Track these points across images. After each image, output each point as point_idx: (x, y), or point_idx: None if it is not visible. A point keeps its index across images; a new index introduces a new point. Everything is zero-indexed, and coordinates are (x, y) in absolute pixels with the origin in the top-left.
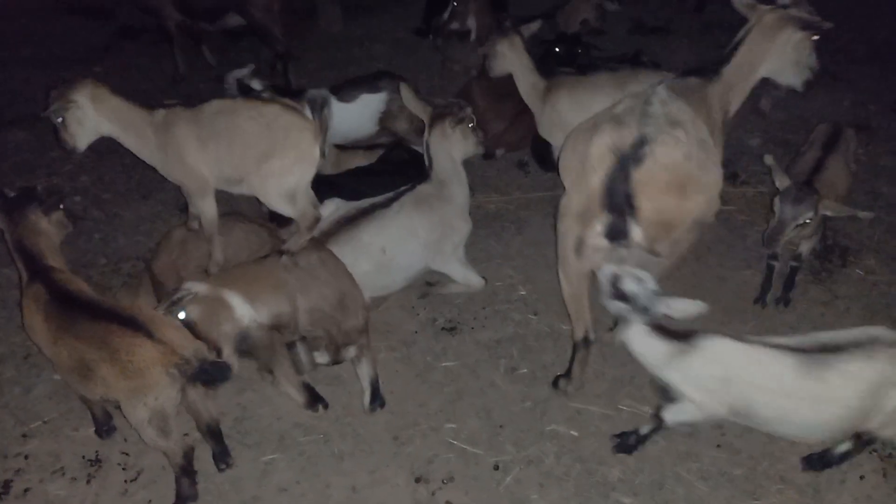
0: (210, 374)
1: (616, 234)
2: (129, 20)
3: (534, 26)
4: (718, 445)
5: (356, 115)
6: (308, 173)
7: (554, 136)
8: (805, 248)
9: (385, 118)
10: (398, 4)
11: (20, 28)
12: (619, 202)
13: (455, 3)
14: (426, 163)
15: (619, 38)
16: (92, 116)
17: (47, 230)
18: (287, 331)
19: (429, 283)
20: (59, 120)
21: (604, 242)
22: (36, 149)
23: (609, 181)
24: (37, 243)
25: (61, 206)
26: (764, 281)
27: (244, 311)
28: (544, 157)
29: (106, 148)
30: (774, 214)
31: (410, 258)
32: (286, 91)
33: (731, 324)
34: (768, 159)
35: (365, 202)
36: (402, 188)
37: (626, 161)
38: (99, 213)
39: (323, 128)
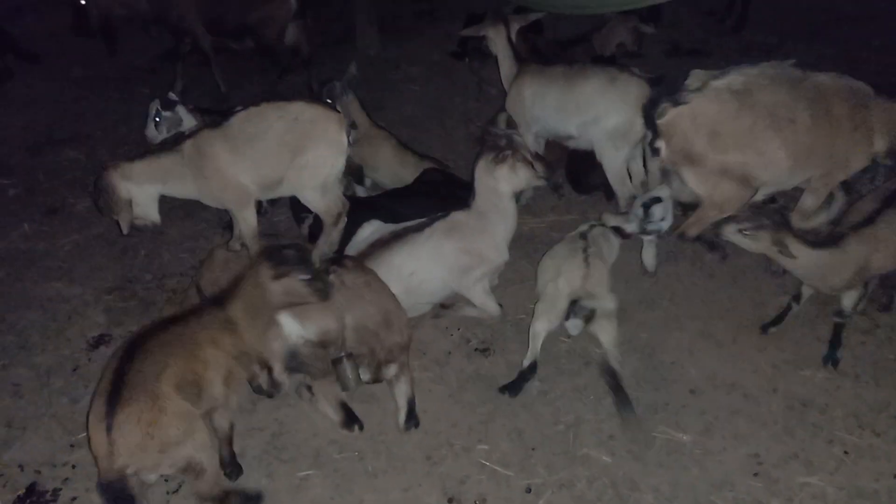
0: None
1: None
2: (173, 41)
3: (532, 16)
4: (756, 474)
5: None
6: (339, 161)
7: (516, 113)
8: (847, 301)
9: None
10: (435, 27)
11: (70, 48)
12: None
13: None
14: (472, 192)
15: (657, 60)
16: (137, 191)
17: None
18: (333, 347)
19: (443, 306)
20: (121, 216)
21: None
22: (87, 167)
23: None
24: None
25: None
26: (779, 314)
27: (292, 329)
28: (579, 179)
29: None
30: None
31: (437, 283)
32: (212, 112)
33: (767, 350)
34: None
35: (399, 227)
36: (437, 214)
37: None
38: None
39: (345, 116)
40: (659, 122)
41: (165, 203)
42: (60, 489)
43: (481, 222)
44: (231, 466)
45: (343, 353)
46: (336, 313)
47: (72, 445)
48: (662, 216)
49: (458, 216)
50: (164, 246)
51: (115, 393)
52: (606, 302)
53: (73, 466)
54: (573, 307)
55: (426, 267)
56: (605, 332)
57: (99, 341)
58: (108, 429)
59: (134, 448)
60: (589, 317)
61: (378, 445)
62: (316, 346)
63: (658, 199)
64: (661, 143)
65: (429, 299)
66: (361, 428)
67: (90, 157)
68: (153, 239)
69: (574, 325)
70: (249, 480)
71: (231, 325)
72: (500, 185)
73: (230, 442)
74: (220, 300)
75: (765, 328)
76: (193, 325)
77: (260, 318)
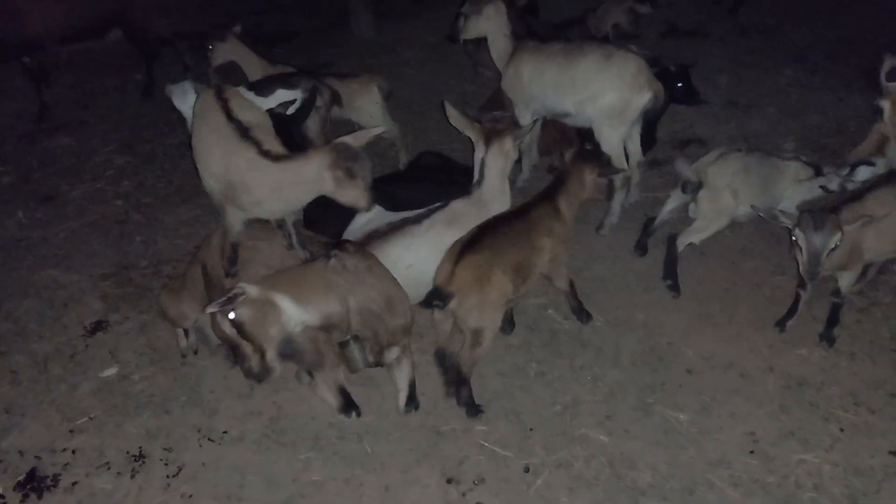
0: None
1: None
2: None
3: None
4: (752, 452)
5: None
6: None
7: (514, 93)
8: (844, 282)
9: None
10: (429, 10)
11: None
12: None
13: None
14: (475, 179)
15: (652, 41)
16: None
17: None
18: (339, 331)
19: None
20: None
21: None
22: (81, 153)
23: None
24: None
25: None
26: (790, 308)
27: (292, 314)
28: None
29: (147, 154)
30: (801, 249)
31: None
32: None
33: (763, 329)
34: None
35: (397, 218)
36: (435, 205)
37: None
38: (140, 216)
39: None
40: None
41: (160, 189)
42: (60, 475)
43: (482, 211)
44: (580, 313)
45: (350, 336)
46: (339, 297)
47: (71, 431)
48: (865, 179)
49: (457, 205)
50: (159, 232)
51: (471, 246)
52: None
53: (73, 452)
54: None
55: (426, 259)
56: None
57: (96, 328)
58: (454, 264)
59: (462, 286)
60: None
61: (377, 428)
62: (318, 330)
63: (870, 163)
64: (884, 104)
65: (425, 289)
66: (359, 414)
67: (84, 144)
68: (149, 225)
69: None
70: (248, 464)
71: (559, 215)
72: (509, 167)
73: (573, 294)
74: (549, 194)
75: (780, 324)
76: (534, 218)
77: (573, 210)
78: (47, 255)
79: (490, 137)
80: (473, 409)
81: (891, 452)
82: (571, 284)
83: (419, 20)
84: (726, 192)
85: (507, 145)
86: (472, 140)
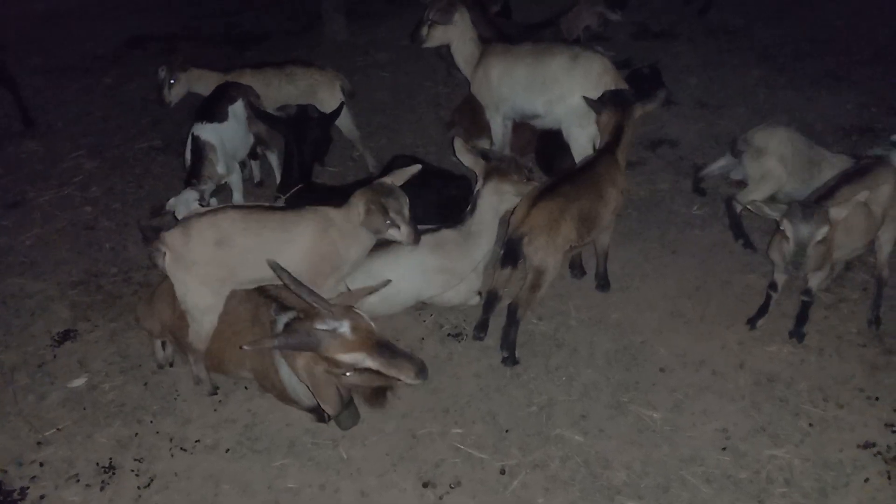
0: None
1: None
2: (134, 29)
3: None
4: (724, 448)
5: (237, 127)
6: None
7: (483, 96)
8: (814, 281)
9: (249, 122)
10: (403, 12)
11: (28, 37)
12: None
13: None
14: (468, 209)
15: (624, 43)
16: None
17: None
18: None
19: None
20: None
21: None
22: (47, 159)
23: None
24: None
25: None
26: (760, 307)
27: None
28: (549, 163)
29: (116, 158)
30: (788, 239)
31: (413, 294)
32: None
33: (733, 326)
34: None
35: None
36: (425, 227)
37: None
38: (109, 222)
39: None
40: None
41: (129, 195)
42: (28, 488)
43: (468, 242)
44: (603, 280)
45: None
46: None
47: (39, 443)
48: None
49: (447, 233)
50: (130, 238)
51: (546, 192)
52: None
53: (41, 464)
54: None
55: (404, 278)
56: None
57: (64, 337)
58: (530, 207)
59: (533, 227)
60: None
61: (353, 433)
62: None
63: None
64: None
65: (401, 306)
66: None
67: (51, 149)
68: (118, 231)
69: None
70: (223, 472)
71: (619, 167)
72: (503, 205)
73: (606, 258)
74: (608, 148)
75: (752, 322)
76: (600, 170)
77: (625, 161)
78: (13, 263)
79: (490, 174)
80: (511, 359)
81: (859, 446)
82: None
83: (392, 22)
84: (772, 157)
85: (504, 186)
86: (476, 174)
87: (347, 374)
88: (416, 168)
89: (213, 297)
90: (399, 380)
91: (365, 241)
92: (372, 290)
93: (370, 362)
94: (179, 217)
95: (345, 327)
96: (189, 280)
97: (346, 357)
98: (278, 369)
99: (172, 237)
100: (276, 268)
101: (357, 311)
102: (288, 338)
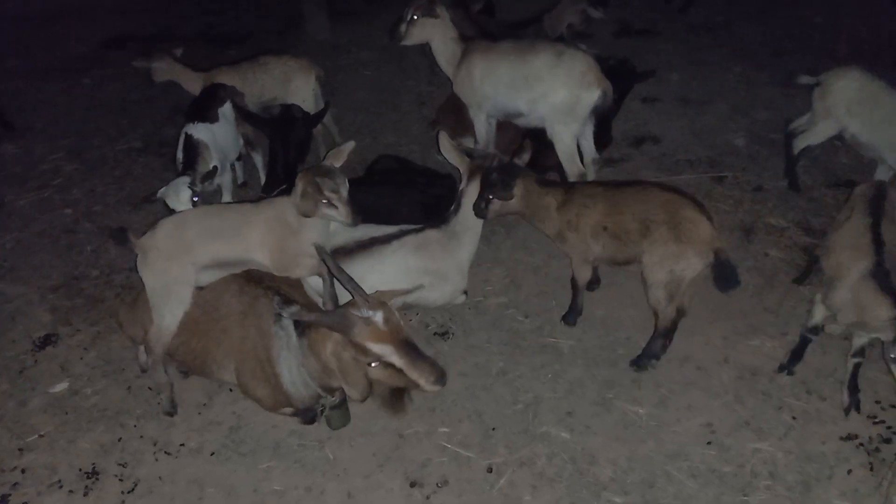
0: (722, 273)
1: None
2: (113, 30)
3: None
4: (709, 443)
5: (227, 128)
6: None
7: (466, 95)
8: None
9: (237, 123)
10: (386, 11)
11: (4, 38)
12: None
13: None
14: (452, 208)
15: (606, 40)
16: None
17: None
18: None
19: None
20: None
21: None
22: (26, 161)
23: None
24: None
25: None
26: (795, 350)
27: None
28: (534, 161)
29: (96, 160)
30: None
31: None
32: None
33: (717, 322)
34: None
35: (366, 236)
36: (410, 228)
37: None
38: (90, 225)
39: None
40: None
41: (110, 196)
42: (9, 495)
43: (452, 243)
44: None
45: None
46: None
47: (20, 449)
48: None
49: (430, 233)
50: (110, 241)
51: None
52: None
53: (23, 471)
54: None
55: (387, 280)
56: None
57: (45, 341)
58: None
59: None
60: None
61: (339, 434)
62: None
63: None
64: None
65: None
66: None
67: (29, 151)
68: (99, 234)
69: None
70: (208, 475)
71: None
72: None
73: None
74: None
75: (785, 369)
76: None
77: None
78: None
79: (473, 173)
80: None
81: (842, 438)
82: None
83: (375, 20)
84: (834, 97)
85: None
86: (460, 172)
87: (372, 364)
88: (352, 144)
89: (176, 284)
90: (417, 385)
91: (317, 222)
92: (405, 293)
93: (395, 358)
94: (171, 205)
95: (378, 317)
96: (152, 265)
97: (375, 347)
98: (276, 364)
99: (143, 238)
100: (320, 251)
101: (391, 307)
102: (325, 316)
